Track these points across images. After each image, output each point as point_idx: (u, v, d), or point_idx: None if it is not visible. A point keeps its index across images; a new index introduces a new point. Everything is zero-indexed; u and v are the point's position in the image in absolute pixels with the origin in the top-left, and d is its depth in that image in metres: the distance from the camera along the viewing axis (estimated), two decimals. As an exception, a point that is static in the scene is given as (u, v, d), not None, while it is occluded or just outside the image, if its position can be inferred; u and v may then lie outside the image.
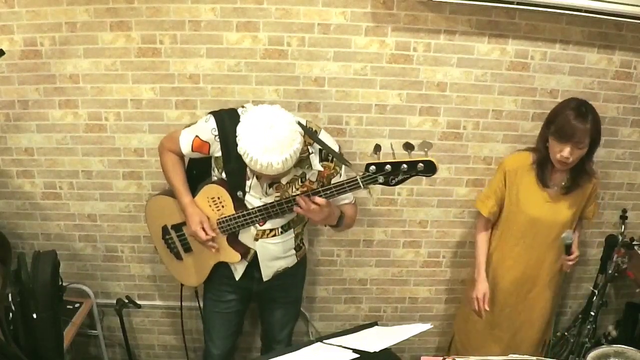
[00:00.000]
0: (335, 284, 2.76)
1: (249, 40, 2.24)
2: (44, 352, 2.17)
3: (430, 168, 1.73)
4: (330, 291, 2.78)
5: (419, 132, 2.43)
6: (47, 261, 2.19)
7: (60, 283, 2.29)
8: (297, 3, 2.19)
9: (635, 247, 2.48)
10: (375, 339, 1.66)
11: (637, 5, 2.09)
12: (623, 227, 2.49)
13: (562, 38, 2.29)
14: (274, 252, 2.09)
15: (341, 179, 1.96)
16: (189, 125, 2.01)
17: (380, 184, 1.77)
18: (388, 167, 1.74)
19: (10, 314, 2.08)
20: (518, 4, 2.13)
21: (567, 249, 2.15)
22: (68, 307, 2.55)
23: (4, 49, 2.06)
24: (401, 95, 2.36)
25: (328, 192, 1.86)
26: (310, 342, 1.75)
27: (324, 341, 1.74)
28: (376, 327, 1.89)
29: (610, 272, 2.45)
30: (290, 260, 2.17)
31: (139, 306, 2.56)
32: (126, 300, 2.49)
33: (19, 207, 2.53)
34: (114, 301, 2.51)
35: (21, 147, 2.41)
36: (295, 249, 2.16)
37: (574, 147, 2.03)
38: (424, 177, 1.78)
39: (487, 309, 2.23)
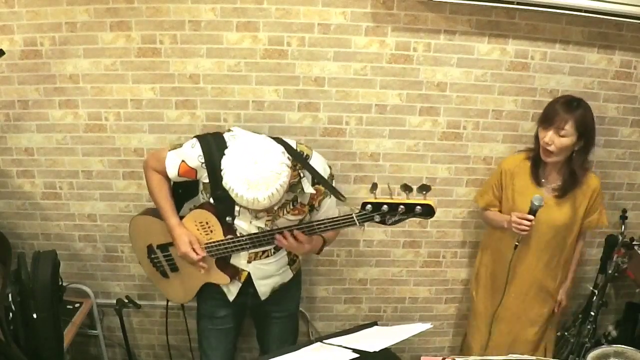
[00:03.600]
0: (335, 284, 2.76)
1: (249, 40, 2.24)
2: (44, 352, 2.17)
3: (428, 211, 1.69)
4: (330, 291, 2.78)
5: (418, 132, 2.43)
6: (47, 261, 2.20)
7: (60, 283, 2.30)
8: (297, 3, 2.19)
9: (635, 247, 2.48)
10: (375, 339, 1.66)
11: (637, 5, 2.09)
12: (623, 227, 2.49)
13: (562, 38, 2.29)
14: (268, 272, 2.08)
15: (330, 201, 1.97)
16: (174, 147, 1.95)
17: (376, 222, 1.74)
18: (385, 207, 1.69)
19: (10, 314, 2.08)
20: (518, 4, 2.12)
21: (531, 212, 2.09)
22: (68, 307, 2.55)
23: (4, 49, 2.06)
24: (401, 95, 2.36)
25: (322, 226, 1.84)
26: (310, 342, 1.75)
27: (324, 341, 1.74)
28: (376, 327, 1.90)
29: (610, 272, 2.45)
30: (285, 276, 2.15)
31: (139, 306, 2.56)
32: (126, 300, 2.49)
33: (19, 207, 2.53)
34: (114, 301, 2.51)
35: (21, 147, 2.41)
36: (289, 264, 2.15)
37: (555, 133, 2.06)
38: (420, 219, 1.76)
39: (529, 218, 2.10)
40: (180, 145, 1.94)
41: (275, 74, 2.30)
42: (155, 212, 2.08)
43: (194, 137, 1.93)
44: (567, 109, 2.06)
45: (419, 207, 1.67)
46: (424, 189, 1.65)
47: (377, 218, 1.72)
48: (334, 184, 2.00)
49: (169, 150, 1.95)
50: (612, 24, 2.25)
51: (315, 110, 2.37)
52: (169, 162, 1.93)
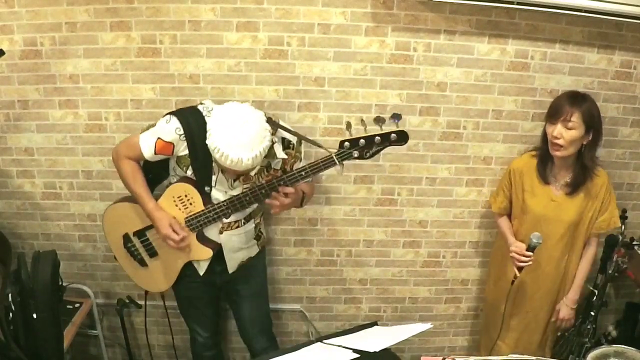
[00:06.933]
0: (335, 284, 2.76)
1: (249, 40, 2.24)
2: (44, 352, 2.17)
3: (402, 137, 1.82)
4: (330, 291, 2.78)
5: (418, 132, 2.43)
6: (47, 261, 2.20)
7: (60, 283, 2.30)
8: (297, 3, 2.19)
9: (635, 247, 2.48)
10: (375, 339, 1.66)
11: (637, 5, 2.09)
12: (623, 227, 2.49)
13: (562, 38, 2.29)
14: (237, 244, 2.14)
15: (302, 163, 2.03)
16: (145, 130, 1.98)
17: (355, 158, 1.83)
18: (362, 141, 1.80)
19: (10, 314, 2.09)
20: (518, 4, 2.12)
21: (529, 249, 2.14)
22: (68, 307, 2.55)
23: (4, 49, 2.06)
24: (401, 95, 2.36)
25: (303, 172, 1.90)
26: (310, 342, 1.76)
27: (324, 341, 1.74)
28: (376, 327, 1.90)
29: (610, 272, 2.44)
30: (252, 250, 2.23)
31: (140, 306, 2.55)
32: (127, 300, 2.49)
33: (19, 207, 2.53)
34: (114, 301, 2.51)
35: (21, 147, 2.41)
36: (255, 238, 2.22)
37: (563, 126, 2.07)
38: (398, 146, 1.87)
39: (527, 255, 2.15)
40: (153, 126, 1.97)
41: (275, 74, 2.30)
42: (128, 198, 2.11)
43: (167, 113, 1.96)
44: (573, 102, 2.08)
45: (393, 134, 1.81)
46: (396, 117, 1.79)
47: (356, 154, 1.83)
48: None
49: (140, 134, 1.98)
50: (612, 24, 2.25)
51: (315, 110, 2.37)
52: (144, 143, 1.95)
